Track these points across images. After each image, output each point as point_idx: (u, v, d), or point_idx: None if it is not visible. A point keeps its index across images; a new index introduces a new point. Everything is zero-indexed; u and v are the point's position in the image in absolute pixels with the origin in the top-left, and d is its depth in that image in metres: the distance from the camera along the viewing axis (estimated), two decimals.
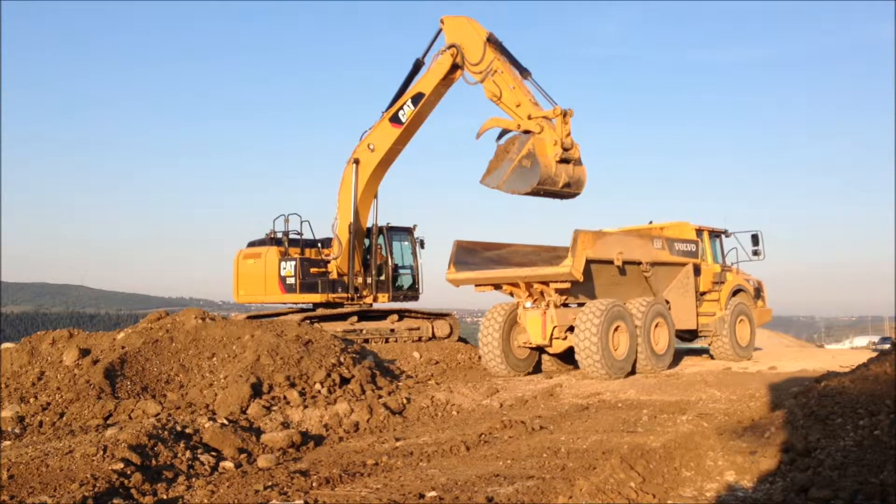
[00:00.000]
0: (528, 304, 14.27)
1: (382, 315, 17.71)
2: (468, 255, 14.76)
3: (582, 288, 13.73)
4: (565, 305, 14.24)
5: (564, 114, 13.93)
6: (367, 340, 16.29)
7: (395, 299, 18.11)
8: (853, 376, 7.01)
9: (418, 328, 17.50)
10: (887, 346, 8.80)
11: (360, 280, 17.45)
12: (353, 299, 17.41)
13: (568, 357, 14.33)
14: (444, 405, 10.63)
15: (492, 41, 14.81)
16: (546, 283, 13.66)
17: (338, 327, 16.19)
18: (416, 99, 15.83)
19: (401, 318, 17.72)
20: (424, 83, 15.76)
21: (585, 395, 11.71)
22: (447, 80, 15.62)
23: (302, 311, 17.09)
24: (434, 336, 17.71)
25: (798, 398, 7.38)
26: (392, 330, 17.22)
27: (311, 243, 17.89)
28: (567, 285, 13.43)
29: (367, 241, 17.71)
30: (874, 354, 8.66)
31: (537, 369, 15.04)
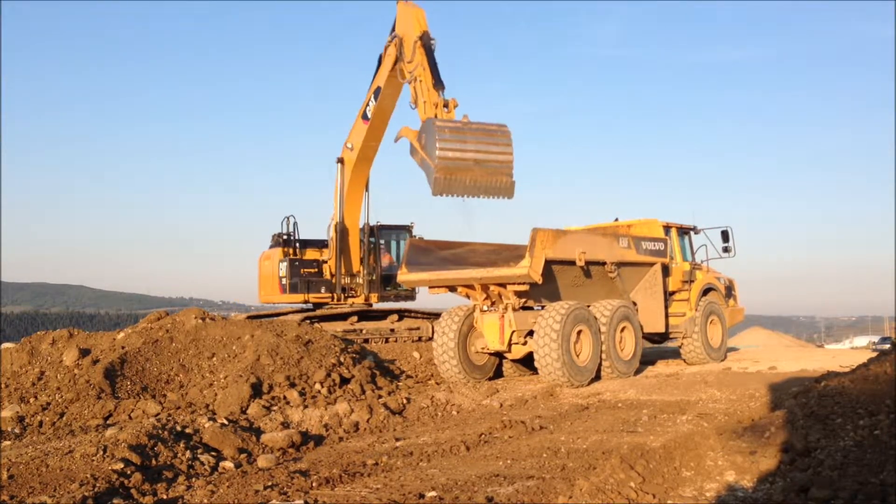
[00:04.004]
0: (485, 307, 13.47)
1: (382, 315, 17.74)
2: (422, 254, 13.90)
3: (543, 290, 12.92)
4: (527, 308, 13.44)
5: (446, 104, 13.36)
6: (367, 340, 16.31)
7: (385, 299, 17.99)
8: (853, 376, 7.01)
9: (418, 328, 17.49)
10: (887, 346, 8.80)
11: (357, 280, 17.52)
12: (339, 300, 17.44)
13: (530, 363, 13.11)
14: (444, 405, 10.64)
15: (423, 41, 14.02)
16: (503, 285, 12.83)
17: (338, 327, 16.23)
18: (377, 93, 15.72)
19: (401, 318, 17.74)
20: (380, 76, 15.58)
21: (585, 395, 11.71)
22: (397, 71, 15.05)
23: (302, 311, 17.18)
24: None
25: (798, 398, 7.38)
26: (392, 330, 17.23)
27: (324, 243, 18.02)
28: (525, 287, 12.59)
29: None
30: (874, 354, 8.66)
31: (499, 375, 14.17)
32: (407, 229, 18.56)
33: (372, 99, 15.89)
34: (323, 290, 17.40)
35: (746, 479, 5.63)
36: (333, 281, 17.38)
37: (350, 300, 17.56)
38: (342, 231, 17.22)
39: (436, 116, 13.13)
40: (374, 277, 17.74)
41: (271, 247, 18.21)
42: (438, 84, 13.62)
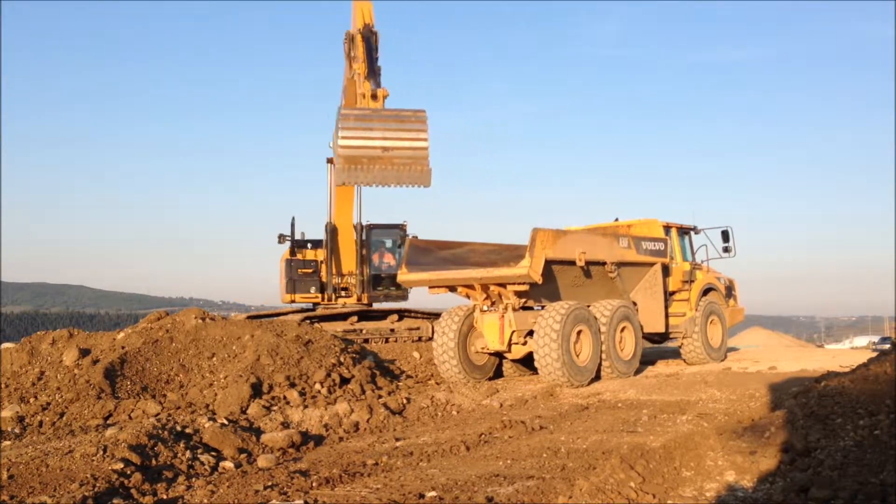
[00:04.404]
0: (485, 307, 13.45)
1: (382, 315, 17.76)
2: (422, 254, 13.87)
3: (543, 290, 12.92)
4: (527, 308, 13.42)
5: (375, 94, 13.06)
6: (367, 340, 16.32)
7: (374, 299, 17.90)
8: (853, 376, 7.01)
9: (418, 328, 17.50)
10: (887, 346, 8.80)
11: (349, 280, 17.59)
12: (330, 300, 17.47)
13: (530, 363, 13.07)
14: (444, 405, 10.64)
15: (363, 34, 13.89)
16: (503, 285, 12.82)
17: (338, 327, 16.25)
18: (344, 90, 15.80)
19: (401, 318, 17.75)
20: (344, 74, 15.61)
21: (585, 395, 11.72)
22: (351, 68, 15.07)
23: (302, 311, 17.22)
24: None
25: (798, 398, 7.38)
26: (392, 330, 17.24)
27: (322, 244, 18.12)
28: (525, 287, 12.57)
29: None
30: (874, 354, 8.66)
31: (499, 375, 14.19)
32: (399, 228, 18.55)
33: (342, 97, 15.95)
34: (312, 290, 17.51)
35: (746, 479, 5.63)
36: (325, 280, 17.48)
37: (342, 300, 17.59)
38: (332, 231, 17.34)
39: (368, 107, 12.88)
40: (364, 277, 17.78)
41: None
42: (370, 74, 13.37)
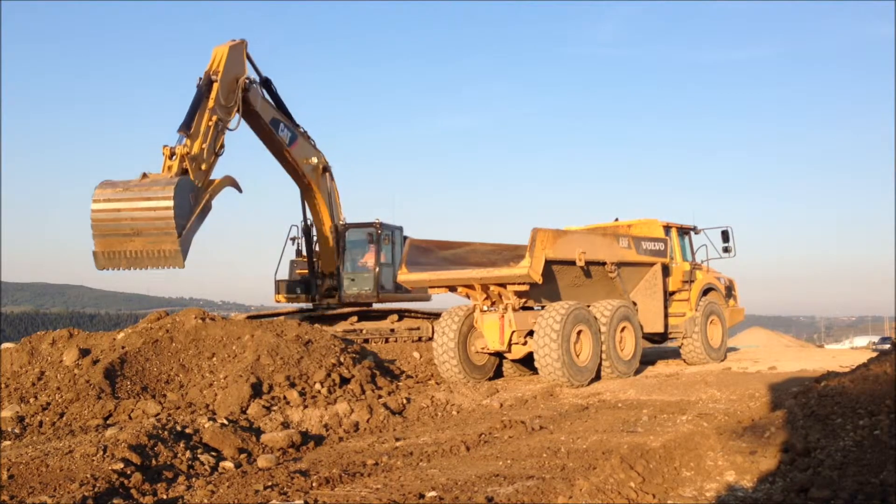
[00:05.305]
0: (485, 307, 13.45)
1: (382, 315, 17.77)
2: (422, 254, 13.89)
3: (543, 290, 12.98)
4: (527, 308, 13.45)
5: (172, 153, 12.39)
6: (367, 340, 16.31)
7: (345, 300, 17.65)
8: (853, 376, 7.02)
9: (418, 328, 17.48)
10: (887, 346, 8.81)
11: (329, 281, 17.69)
12: (314, 300, 17.59)
13: (530, 363, 13.08)
14: (444, 405, 10.64)
15: (198, 84, 13.35)
16: (503, 285, 12.83)
17: (338, 327, 16.25)
18: None
19: (401, 318, 17.75)
20: None
21: (585, 395, 11.72)
22: None
23: (302, 311, 17.24)
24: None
25: (798, 398, 7.39)
26: (392, 330, 17.24)
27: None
28: (525, 287, 12.60)
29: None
30: (874, 354, 8.67)
31: (499, 375, 14.22)
32: (372, 226, 18.47)
33: None
34: (298, 290, 17.66)
35: (746, 479, 5.63)
36: (329, 282, 17.55)
37: (326, 300, 17.61)
38: (307, 232, 17.49)
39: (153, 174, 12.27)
40: (342, 277, 17.78)
41: None
42: (181, 127, 12.59)
